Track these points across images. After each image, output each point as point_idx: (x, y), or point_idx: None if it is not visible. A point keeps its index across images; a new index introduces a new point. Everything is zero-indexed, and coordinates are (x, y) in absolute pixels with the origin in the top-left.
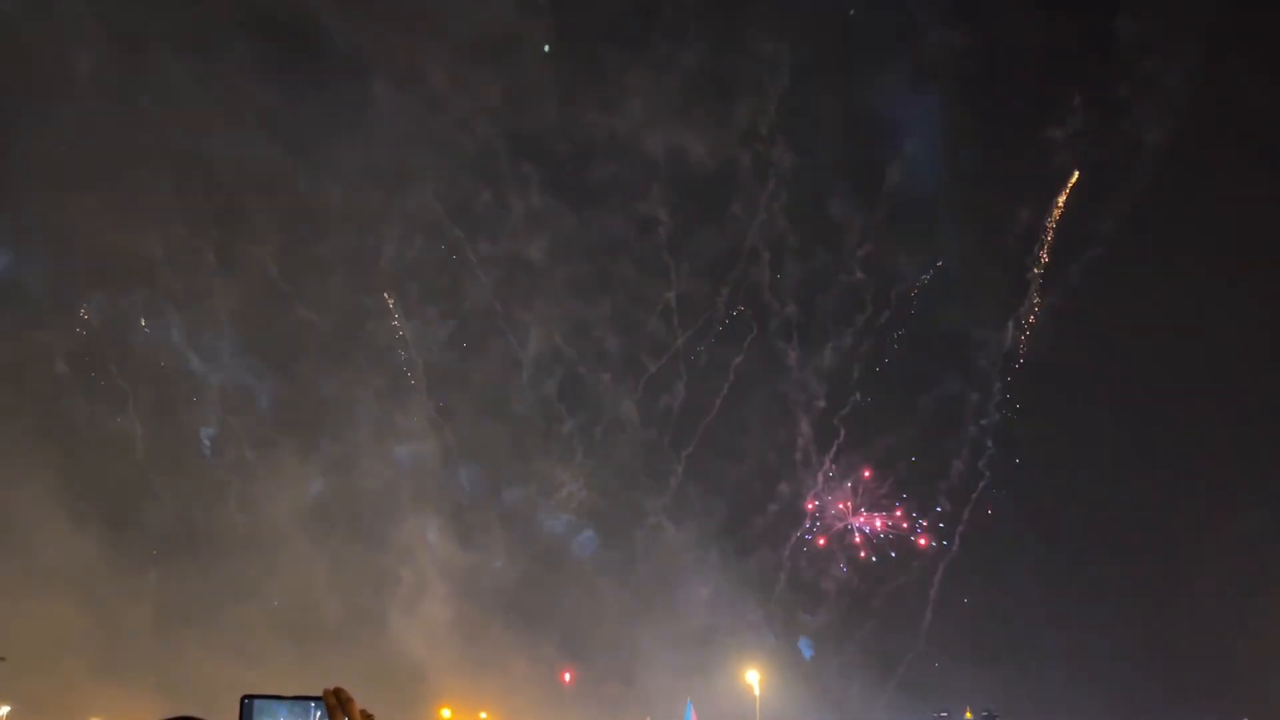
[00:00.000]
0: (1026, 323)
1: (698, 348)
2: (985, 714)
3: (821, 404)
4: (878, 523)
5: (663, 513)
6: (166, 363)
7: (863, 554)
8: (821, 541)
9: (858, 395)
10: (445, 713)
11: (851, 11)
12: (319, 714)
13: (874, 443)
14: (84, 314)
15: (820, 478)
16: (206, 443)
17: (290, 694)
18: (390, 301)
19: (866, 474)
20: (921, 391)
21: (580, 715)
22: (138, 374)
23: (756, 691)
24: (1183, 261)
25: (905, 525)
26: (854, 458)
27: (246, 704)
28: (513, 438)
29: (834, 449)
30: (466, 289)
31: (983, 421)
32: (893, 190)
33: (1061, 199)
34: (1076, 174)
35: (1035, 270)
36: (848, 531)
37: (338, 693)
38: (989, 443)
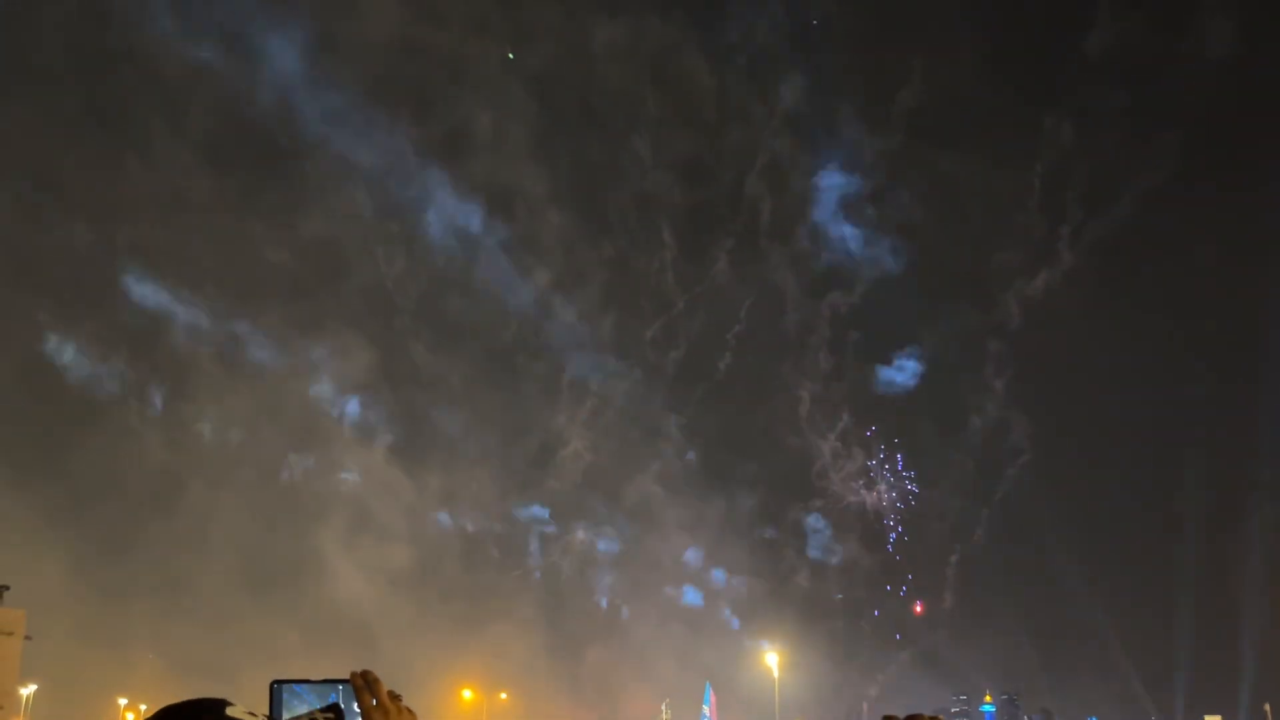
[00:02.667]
0: (1053, 274)
1: (698, 304)
2: (1006, 697)
3: (828, 369)
4: (893, 497)
5: (660, 480)
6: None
7: (877, 530)
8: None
9: (859, 363)
10: (466, 693)
11: None
12: (345, 696)
13: (889, 415)
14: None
15: (829, 448)
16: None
17: (318, 678)
18: (369, 236)
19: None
20: (937, 354)
21: (591, 698)
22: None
23: (775, 674)
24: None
25: (923, 502)
26: (867, 427)
27: (276, 688)
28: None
29: (843, 419)
30: (452, 223)
31: (1001, 380)
32: (905, 112)
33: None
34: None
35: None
36: (863, 506)
37: (365, 675)
38: (1013, 421)
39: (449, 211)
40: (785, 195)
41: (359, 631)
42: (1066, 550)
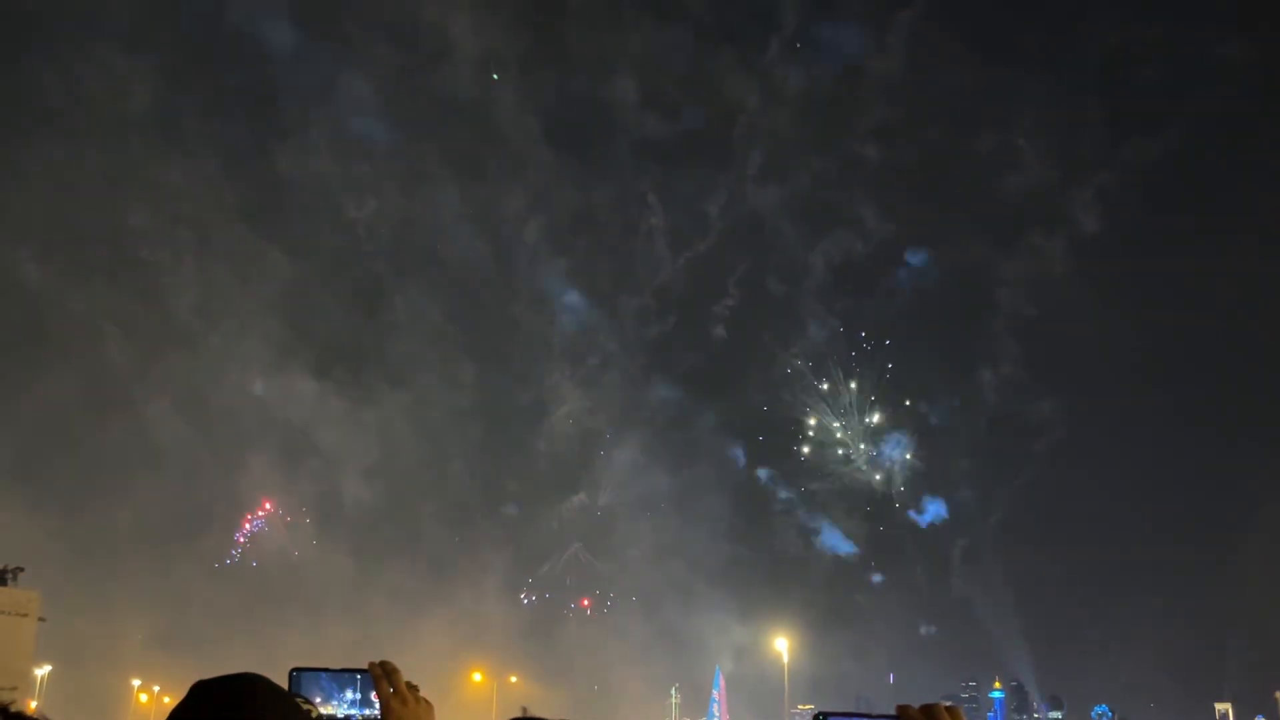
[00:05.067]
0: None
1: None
2: (1015, 684)
3: (828, 330)
4: (902, 476)
5: (647, 451)
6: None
7: (885, 510)
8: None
9: (866, 325)
10: (476, 676)
11: None
12: (363, 685)
13: (898, 388)
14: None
15: (833, 423)
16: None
17: (337, 667)
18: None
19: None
20: (953, 325)
21: (584, 679)
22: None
23: (785, 659)
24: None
25: (933, 483)
26: (875, 398)
27: (295, 676)
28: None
29: (850, 390)
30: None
31: (1021, 348)
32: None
33: None
34: None
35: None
36: (870, 485)
37: (383, 665)
38: (1032, 398)
39: (425, 148)
40: (781, 132)
41: (334, 600)
42: (1077, 539)
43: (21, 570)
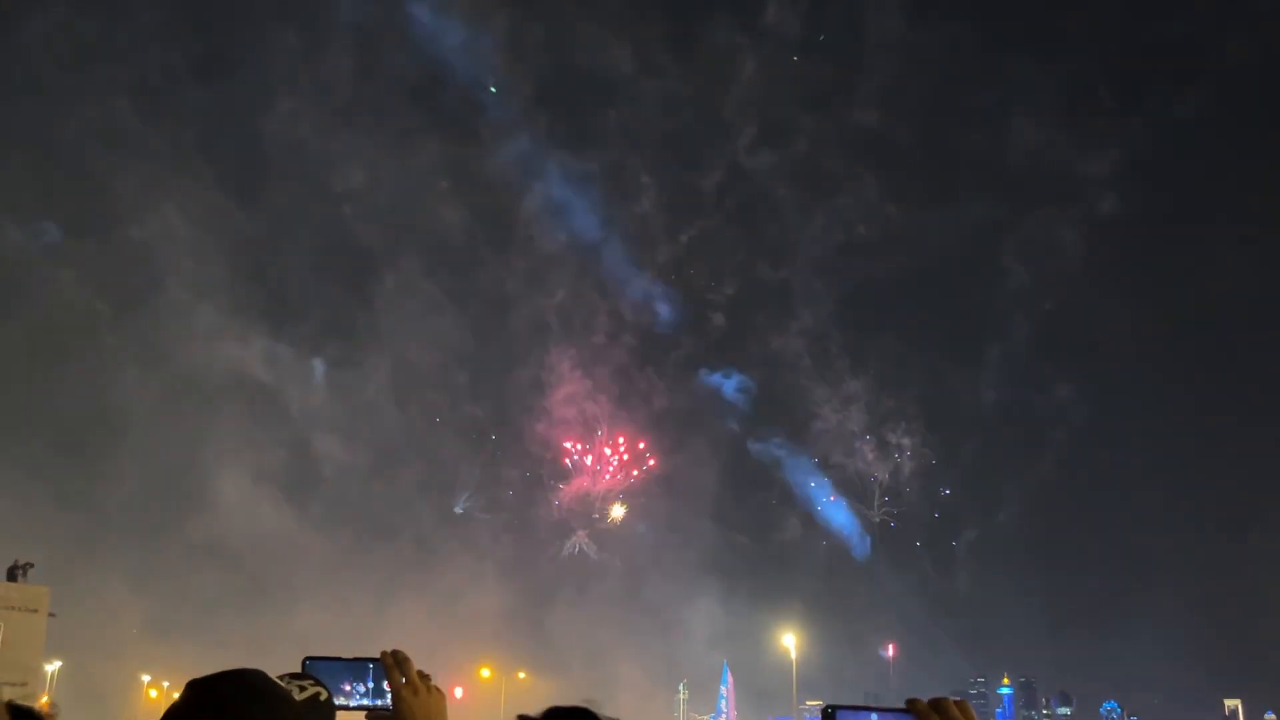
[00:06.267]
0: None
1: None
2: (1023, 680)
3: (832, 309)
4: (910, 467)
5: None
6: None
7: (892, 503)
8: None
9: (875, 312)
10: (484, 672)
11: None
12: (375, 674)
13: (906, 379)
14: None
15: (837, 415)
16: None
17: (349, 656)
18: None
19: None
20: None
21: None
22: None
23: (793, 655)
24: None
25: (941, 476)
26: (884, 390)
27: (307, 665)
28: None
29: (856, 381)
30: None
31: (1032, 333)
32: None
33: None
34: None
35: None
36: (876, 477)
37: (395, 654)
38: (1045, 389)
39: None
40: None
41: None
42: (1087, 533)
43: (31, 566)
